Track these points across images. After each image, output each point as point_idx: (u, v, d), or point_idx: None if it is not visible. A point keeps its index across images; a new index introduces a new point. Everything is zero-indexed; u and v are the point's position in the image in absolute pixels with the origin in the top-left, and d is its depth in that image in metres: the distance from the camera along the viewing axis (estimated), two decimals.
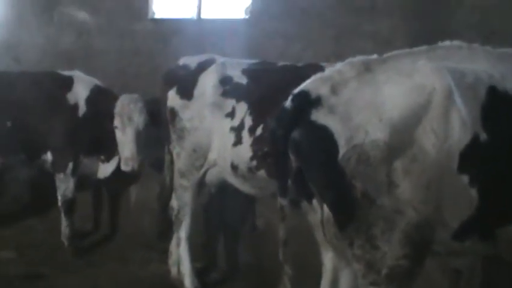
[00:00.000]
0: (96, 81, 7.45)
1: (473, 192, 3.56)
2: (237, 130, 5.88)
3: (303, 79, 3.82)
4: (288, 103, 3.66)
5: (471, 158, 3.51)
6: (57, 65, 7.74)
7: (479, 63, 3.73)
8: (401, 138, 3.44)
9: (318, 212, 3.84)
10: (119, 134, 6.87)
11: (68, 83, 7.34)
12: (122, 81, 7.65)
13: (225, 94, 6.03)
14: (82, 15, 8.34)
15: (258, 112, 5.80)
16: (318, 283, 4.49)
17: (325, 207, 3.72)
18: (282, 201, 3.79)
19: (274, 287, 4.13)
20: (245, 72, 6.09)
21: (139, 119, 6.80)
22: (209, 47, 6.74)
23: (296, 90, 3.69)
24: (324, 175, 3.56)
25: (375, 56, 3.76)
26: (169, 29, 7.85)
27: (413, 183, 3.44)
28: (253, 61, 6.26)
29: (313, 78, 3.72)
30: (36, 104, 7.21)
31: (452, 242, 3.71)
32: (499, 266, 5.19)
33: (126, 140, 6.80)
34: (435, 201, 3.50)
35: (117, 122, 6.85)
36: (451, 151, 3.49)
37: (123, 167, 6.84)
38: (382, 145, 3.42)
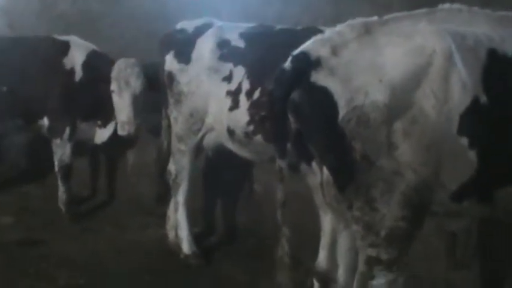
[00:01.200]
0: (92, 46, 7.41)
1: (473, 155, 3.55)
2: (234, 94, 5.86)
3: (302, 43, 3.78)
4: (287, 64, 3.64)
5: (471, 120, 3.50)
6: (53, 31, 7.67)
7: (479, 26, 3.70)
8: (402, 99, 3.43)
9: (318, 174, 3.84)
10: (115, 98, 6.85)
11: (64, 48, 7.30)
12: (119, 46, 7.59)
13: (223, 58, 6.00)
14: None
15: (255, 76, 5.78)
16: (317, 246, 4.51)
17: (324, 169, 3.72)
18: (281, 163, 3.80)
19: (273, 251, 4.14)
20: (243, 35, 6.06)
21: (136, 83, 6.78)
22: (207, 11, 6.67)
23: (295, 52, 3.66)
24: (323, 137, 3.55)
25: (375, 18, 3.74)
26: None
27: (413, 145, 3.44)
28: (251, 25, 6.21)
29: (312, 39, 3.69)
30: (32, 69, 7.17)
31: (450, 203, 3.72)
32: (494, 228, 5.23)
33: (123, 104, 6.78)
34: (435, 163, 3.50)
35: (114, 86, 6.82)
36: (451, 113, 3.48)
37: (120, 131, 6.84)
38: (382, 106, 3.40)
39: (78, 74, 7.23)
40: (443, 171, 3.55)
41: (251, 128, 5.76)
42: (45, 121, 7.27)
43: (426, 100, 3.44)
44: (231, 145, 6.07)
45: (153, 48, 6.63)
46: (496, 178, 3.69)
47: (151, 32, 7.23)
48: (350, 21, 3.71)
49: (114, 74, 6.84)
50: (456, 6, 3.83)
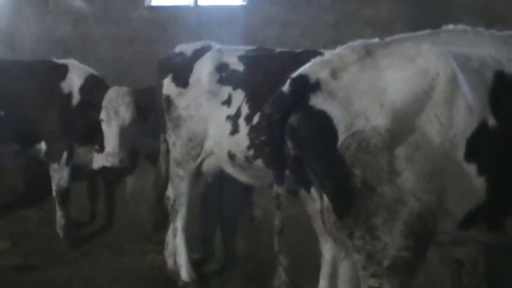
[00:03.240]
0: (90, 70, 7.38)
1: (481, 181, 3.45)
2: (234, 118, 5.78)
3: (301, 66, 3.71)
4: (285, 87, 3.56)
5: (478, 145, 3.40)
6: (53, 54, 7.67)
7: (485, 48, 3.62)
8: (404, 125, 3.34)
9: (317, 201, 3.75)
10: (104, 127, 6.81)
11: (62, 72, 7.27)
12: (119, 70, 7.60)
13: (221, 81, 5.93)
14: (78, 3, 8.30)
15: (254, 100, 5.70)
16: (317, 274, 4.43)
17: (324, 196, 3.61)
18: (278, 189, 3.69)
19: (272, 277, 4.03)
20: (242, 59, 5.99)
21: (125, 113, 6.75)
22: (206, 34, 6.66)
23: (294, 74, 3.58)
24: (322, 162, 3.45)
25: (376, 40, 3.65)
26: (166, 16, 7.78)
27: (416, 172, 3.34)
28: (250, 48, 6.15)
29: (312, 62, 3.61)
30: (29, 93, 7.12)
31: (457, 231, 3.60)
32: (501, 256, 5.14)
33: (110, 134, 6.75)
34: (439, 190, 3.40)
35: (103, 115, 6.79)
36: (457, 139, 3.39)
37: (104, 162, 6.82)
38: (384, 132, 3.31)
39: (76, 98, 7.18)
40: (449, 198, 3.44)
41: (251, 152, 5.68)
42: (43, 145, 7.21)
43: (430, 125, 3.35)
44: (231, 169, 5.98)
45: (152, 72, 6.59)
46: (507, 205, 3.57)
47: (150, 55, 7.20)
48: (351, 43, 3.63)
49: (104, 102, 6.80)
50: (460, 27, 3.75)
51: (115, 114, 6.72)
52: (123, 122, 6.71)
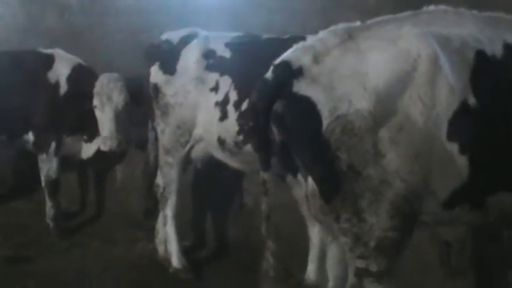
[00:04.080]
0: (77, 60, 7.34)
1: (463, 160, 3.48)
2: (222, 104, 5.82)
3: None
4: (268, 74, 3.57)
5: (460, 124, 3.43)
6: (39, 44, 7.61)
7: (466, 28, 3.64)
8: (387, 106, 3.36)
9: (303, 186, 3.76)
10: (98, 113, 6.80)
11: (48, 62, 7.22)
12: (106, 59, 7.54)
13: (209, 68, 5.97)
14: None
15: (242, 86, 5.73)
16: (305, 258, 4.45)
17: (309, 180, 3.63)
18: (264, 176, 3.71)
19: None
20: (229, 45, 6.02)
21: (118, 98, 6.72)
22: (193, 23, 6.61)
23: (277, 61, 3.59)
24: (308, 147, 3.47)
25: (358, 23, 3.66)
26: (152, 5, 7.73)
27: (400, 153, 3.36)
28: (237, 34, 6.15)
29: (294, 47, 3.62)
30: (16, 83, 7.07)
31: (441, 211, 3.64)
32: (488, 238, 5.18)
33: (105, 119, 6.73)
34: (423, 171, 3.43)
35: (96, 102, 6.78)
36: (439, 119, 3.41)
37: (102, 147, 6.80)
38: (367, 114, 3.33)
39: (63, 87, 7.14)
40: (433, 178, 3.48)
41: (241, 137, 5.73)
42: (30, 136, 7.18)
43: (413, 106, 3.37)
44: (221, 155, 6.02)
45: (139, 60, 6.58)
46: (489, 183, 3.61)
47: (137, 44, 7.17)
48: (332, 27, 3.63)
49: (96, 89, 6.79)
50: (442, 7, 3.76)
51: (108, 99, 6.72)
52: (116, 107, 6.70)
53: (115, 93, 6.73)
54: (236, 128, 5.73)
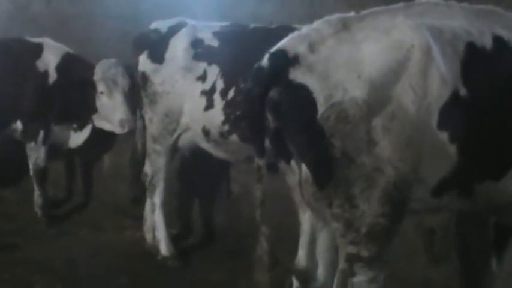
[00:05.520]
0: (66, 49, 7.35)
1: (453, 149, 3.56)
2: (209, 93, 5.86)
3: (275, 41, 3.75)
4: (264, 62, 3.60)
5: (450, 114, 3.50)
6: (26, 33, 7.60)
7: (457, 20, 3.70)
8: (380, 95, 3.41)
9: (296, 173, 3.81)
10: (104, 99, 6.89)
11: (37, 50, 7.23)
12: (93, 48, 7.54)
13: (196, 57, 6.00)
14: None
15: (229, 75, 5.80)
16: (295, 244, 4.49)
17: (303, 167, 3.69)
18: (259, 162, 3.75)
19: (250, 250, 4.10)
20: (216, 34, 6.06)
21: (123, 81, 6.81)
22: (180, 12, 6.63)
23: (273, 49, 3.63)
24: (302, 134, 3.52)
25: (352, 14, 3.72)
26: None
27: (392, 141, 3.42)
28: (225, 23, 6.19)
29: (290, 36, 3.66)
30: (4, 72, 7.07)
31: (430, 199, 3.71)
32: (472, 223, 5.25)
33: (115, 103, 6.84)
34: (414, 158, 3.49)
35: (102, 88, 6.86)
36: (431, 108, 3.47)
37: (119, 130, 6.88)
38: (361, 103, 3.38)
39: (52, 76, 7.16)
40: (423, 166, 3.54)
41: (226, 127, 5.78)
42: (19, 125, 7.19)
43: (405, 95, 3.43)
44: (206, 145, 6.07)
45: (127, 49, 6.60)
46: (477, 172, 3.70)
47: (125, 33, 7.17)
48: (327, 18, 3.69)
49: (98, 75, 6.88)
50: (433, 0, 3.83)
51: (114, 84, 6.81)
52: (123, 90, 6.78)
53: (119, 77, 6.82)
54: (222, 117, 5.78)
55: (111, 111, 6.88)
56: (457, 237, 5.45)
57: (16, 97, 7.09)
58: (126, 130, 6.79)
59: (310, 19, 3.88)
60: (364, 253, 3.63)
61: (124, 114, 6.75)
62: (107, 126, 7.10)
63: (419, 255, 5.59)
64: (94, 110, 7.08)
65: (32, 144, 7.18)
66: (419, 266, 5.57)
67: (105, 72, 6.87)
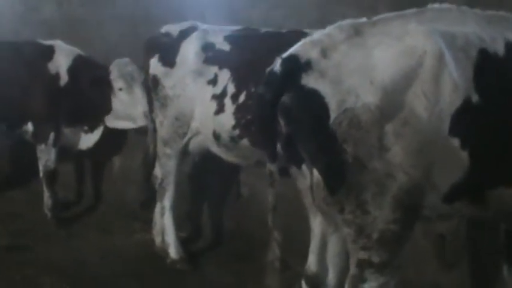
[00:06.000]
0: (78, 51, 7.41)
1: (464, 155, 3.54)
2: (219, 98, 5.85)
3: (286, 46, 3.74)
4: (276, 67, 3.60)
5: (462, 120, 3.49)
6: (37, 35, 7.66)
7: (469, 26, 3.69)
8: (393, 101, 3.40)
9: (308, 177, 3.81)
10: (124, 95, 7.00)
11: (48, 53, 7.28)
12: (103, 50, 7.58)
13: (207, 61, 6.00)
14: None
15: (240, 79, 5.78)
16: (304, 249, 4.49)
17: (314, 172, 3.69)
18: (271, 167, 3.74)
19: (260, 255, 4.10)
20: (227, 38, 6.06)
21: (140, 77, 6.88)
22: (190, 15, 6.65)
23: (285, 54, 3.63)
24: (315, 139, 3.52)
25: (364, 19, 3.72)
26: None
27: (404, 147, 3.41)
28: (236, 28, 6.19)
29: (302, 42, 3.66)
30: (16, 74, 7.14)
31: (442, 205, 3.70)
32: (481, 230, 5.24)
33: (136, 97, 6.94)
34: (426, 164, 3.48)
35: (120, 84, 6.98)
36: (442, 114, 3.46)
37: (140, 122, 6.94)
38: (374, 108, 3.38)
39: (64, 78, 7.22)
40: (435, 172, 3.53)
41: (237, 132, 5.76)
42: (30, 126, 7.24)
43: (417, 101, 3.42)
44: (216, 149, 6.06)
45: (137, 52, 6.63)
46: (489, 178, 3.68)
47: (135, 36, 7.22)
48: (339, 23, 3.69)
49: (115, 73, 7.00)
50: (445, 5, 3.82)
51: (132, 79, 6.94)
52: (141, 85, 6.84)
53: (135, 73, 6.94)
54: (232, 122, 5.76)
55: (132, 106, 6.97)
56: (467, 241, 5.43)
57: (27, 99, 7.13)
58: (144, 124, 6.87)
59: (321, 24, 3.88)
60: (376, 259, 3.61)
61: (146, 106, 6.79)
62: (122, 124, 7.19)
63: (429, 261, 5.57)
64: (107, 111, 7.16)
65: (43, 146, 7.21)
66: (430, 271, 5.55)
67: (122, 69, 6.99)
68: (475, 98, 3.52)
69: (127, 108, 7.04)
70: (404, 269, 3.91)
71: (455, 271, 5.47)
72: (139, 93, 6.85)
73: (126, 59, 7.08)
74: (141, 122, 6.93)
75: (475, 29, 3.68)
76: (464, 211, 3.89)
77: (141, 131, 7.02)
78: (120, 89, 6.97)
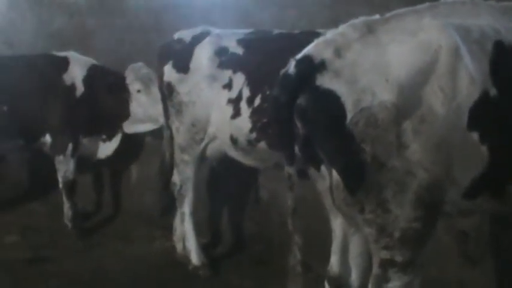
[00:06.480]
0: (92, 61, 7.48)
1: (484, 149, 3.50)
2: (235, 102, 5.84)
3: (299, 46, 3.72)
4: (291, 69, 3.57)
5: (480, 114, 3.45)
6: (50, 47, 7.72)
7: (484, 18, 3.66)
8: (409, 98, 3.37)
9: (327, 179, 3.78)
10: (142, 97, 7.11)
11: (63, 64, 7.33)
12: (116, 60, 7.60)
13: (222, 65, 5.98)
14: None
15: (255, 82, 5.76)
16: (325, 251, 4.46)
17: (333, 173, 3.66)
18: (290, 170, 3.71)
19: (281, 259, 4.09)
20: (240, 42, 6.04)
21: (155, 81, 6.90)
22: (201, 21, 6.65)
23: (299, 56, 3.61)
24: (332, 140, 3.49)
25: (376, 17, 3.69)
26: (161, 4, 7.76)
27: (423, 144, 3.38)
28: (248, 30, 6.18)
29: (315, 42, 3.63)
30: (32, 87, 7.18)
31: (463, 201, 3.66)
32: (506, 226, 5.20)
33: (153, 98, 7.02)
34: (446, 160, 3.44)
35: (138, 86, 7.09)
36: (460, 109, 3.42)
37: (154, 125, 7.09)
38: (390, 106, 3.35)
39: (79, 89, 7.27)
40: (455, 167, 3.49)
41: (254, 135, 5.74)
42: (48, 138, 7.27)
43: (434, 97, 3.39)
44: (234, 153, 6.04)
45: (149, 60, 6.64)
46: (509, 172, 3.63)
47: (147, 44, 7.23)
48: (352, 21, 3.66)
49: (132, 76, 7.12)
50: None
51: (150, 80, 7.04)
52: (157, 87, 6.83)
53: (152, 75, 7.02)
54: (249, 125, 5.74)
55: (152, 106, 7.04)
56: (490, 238, 5.38)
57: (44, 111, 7.17)
58: (159, 125, 6.93)
59: (332, 23, 3.85)
60: (398, 258, 3.58)
61: (161, 108, 6.75)
62: (142, 127, 7.27)
63: (453, 258, 5.53)
64: (124, 117, 7.22)
65: (61, 157, 7.23)
66: (453, 269, 5.51)
67: (138, 72, 7.08)
68: (492, 91, 3.48)
69: (147, 109, 7.11)
70: (427, 267, 3.88)
71: (479, 268, 5.41)
72: (157, 94, 6.84)
73: (140, 63, 7.15)
74: (155, 124, 7.05)
75: (490, 21, 3.65)
76: (485, 206, 3.85)
77: (157, 137, 7.01)
78: (139, 91, 7.06)
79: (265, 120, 5.62)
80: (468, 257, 5.48)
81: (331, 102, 3.42)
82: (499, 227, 5.28)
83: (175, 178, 6.41)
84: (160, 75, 6.33)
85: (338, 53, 3.49)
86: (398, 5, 4.58)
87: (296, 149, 3.76)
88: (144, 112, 7.14)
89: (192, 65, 6.10)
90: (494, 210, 4.18)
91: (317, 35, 3.90)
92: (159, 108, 6.73)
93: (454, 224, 5.36)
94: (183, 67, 6.14)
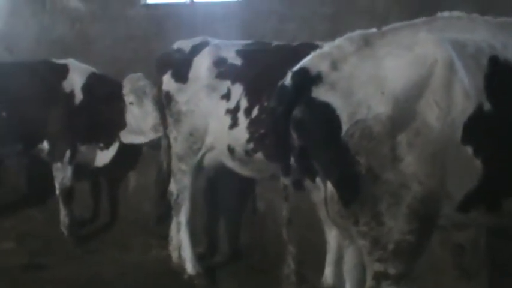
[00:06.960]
0: (91, 69, 7.49)
1: (478, 163, 3.52)
2: (233, 112, 5.85)
3: (298, 58, 3.75)
4: (287, 81, 3.60)
5: (475, 128, 3.47)
6: (51, 54, 7.74)
7: (480, 34, 3.68)
8: (404, 111, 3.40)
9: (322, 190, 3.80)
10: (135, 109, 7.11)
11: (62, 71, 7.36)
12: (117, 67, 7.62)
13: (220, 76, 6.00)
14: (74, 3, 8.35)
15: (253, 93, 5.78)
16: (322, 262, 4.48)
17: (328, 184, 3.68)
18: (285, 181, 3.73)
19: (277, 268, 4.09)
20: (239, 53, 6.06)
21: (151, 91, 6.93)
22: (203, 31, 6.67)
23: (295, 68, 3.63)
24: (327, 152, 3.51)
25: (373, 30, 3.71)
26: (163, 13, 7.81)
27: (417, 157, 3.40)
28: (248, 42, 6.21)
29: (312, 54, 3.66)
30: (31, 93, 7.20)
31: (457, 215, 3.67)
32: (502, 240, 5.20)
33: (146, 110, 7.06)
34: (440, 173, 3.46)
35: (131, 98, 7.09)
36: (455, 123, 3.45)
37: (152, 135, 7.03)
38: (385, 119, 3.37)
39: (78, 97, 7.30)
40: (449, 181, 3.51)
41: (251, 145, 5.75)
42: (45, 145, 7.28)
43: (429, 110, 3.41)
44: (231, 163, 6.05)
45: (150, 69, 6.66)
46: (503, 186, 3.65)
47: (147, 52, 7.25)
48: (349, 35, 3.68)
49: (128, 88, 7.11)
50: (455, 13, 3.81)
51: (144, 94, 7.05)
52: (152, 99, 6.92)
53: (148, 87, 7.04)
54: (246, 136, 5.76)
55: (142, 120, 7.07)
56: (486, 251, 5.39)
57: (43, 118, 7.19)
58: (158, 135, 6.87)
59: (332, 36, 3.87)
60: (392, 271, 3.59)
61: (156, 119, 6.85)
62: (136, 139, 7.28)
63: (448, 271, 5.52)
64: (122, 126, 7.24)
65: (59, 164, 7.24)
66: (448, 282, 5.50)
67: (134, 84, 7.09)
68: (486, 105, 3.51)
69: (138, 122, 7.13)
70: (422, 280, 3.89)
71: (474, 281, 5.41)
72: (149, 106, 6.91)
73: (139, 74, 7.17)
74: (150, 135, 7.03)
75: (486, 36, 3.67)
76: (480, 220, 3.86)
77: (155, 146, 7.02)
78: (131, 103, 7.07)
79: (262, 131, 5.63)
80: (464, 269, 5.47)
81: (326, 114, 3.44)
82: (495, 240, 5.28)
83: (172, 187, 6.39)
84: (159, 85, 6.34)
85: (334, 65, 3.51)
86: (399, 17, 4.61)
87: (292, 160, 3.79)
88: (135, 124, 7.18)
89: (191, 75, 6.11)
90: (490, 224, 4.19)
91: (316, 47, 3.92)
92: (149, 122, 6.78)
93: (450, 237, 5.36)
94: (182, 77, 6.15)
